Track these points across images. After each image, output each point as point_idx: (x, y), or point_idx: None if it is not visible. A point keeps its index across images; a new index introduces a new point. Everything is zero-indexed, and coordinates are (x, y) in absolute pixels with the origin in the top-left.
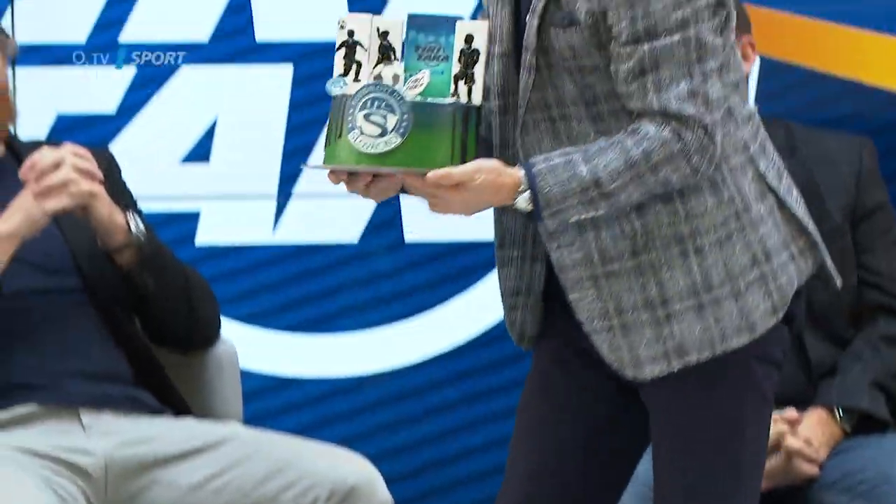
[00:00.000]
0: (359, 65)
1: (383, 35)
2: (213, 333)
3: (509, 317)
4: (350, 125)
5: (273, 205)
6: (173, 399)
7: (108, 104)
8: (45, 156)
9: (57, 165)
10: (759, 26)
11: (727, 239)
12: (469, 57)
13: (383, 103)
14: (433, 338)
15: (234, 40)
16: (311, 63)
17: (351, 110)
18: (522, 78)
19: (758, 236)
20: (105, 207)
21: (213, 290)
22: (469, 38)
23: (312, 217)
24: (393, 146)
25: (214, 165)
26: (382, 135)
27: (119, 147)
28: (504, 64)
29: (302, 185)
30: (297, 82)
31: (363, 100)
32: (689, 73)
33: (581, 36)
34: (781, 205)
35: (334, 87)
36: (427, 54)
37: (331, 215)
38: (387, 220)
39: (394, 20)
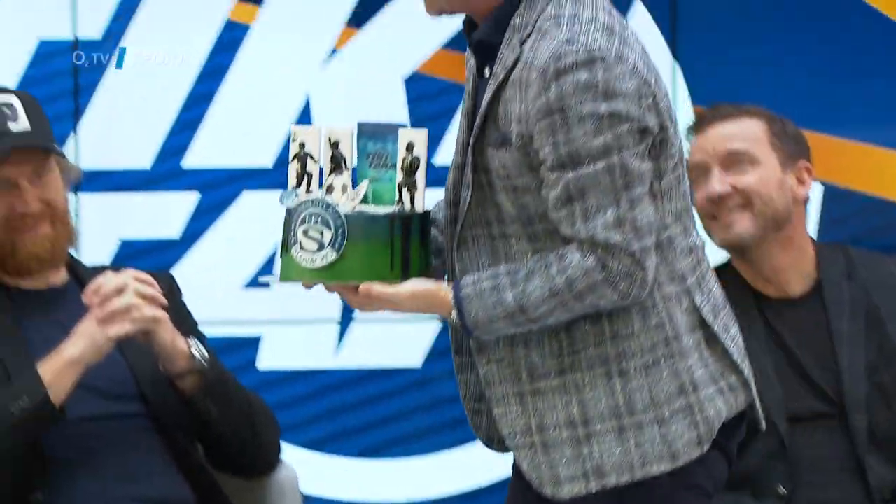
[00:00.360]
0: (310, 176)
1: (334, 145)
2: (274, 459)
3: (474, 421)
4: (293, 240)
5: (335, 329)
6: None
7: (171, 229)
8: (108, 281)
9: (120, 290)
10: (822, 153)
11: (654, 364)
12: (410, 164)
13: (319, 218)
14: (498, 462)
15: None
16: None
17: (293, 225)
18: (462, 193)
19: (686, 366)
20: (168, 333)
21: (275, 416)
22: (410, 146)
23: (375, 341)
24: (330, 261)
25: (276, 290)
26: (320, 249)
27: (182, 272)
28: (455, 176)
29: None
30: None
31: (302, 215)
32: (616, 200)
33: (513, 157)
34: (714, 340)
35: (286, 200)
36: (377, 161)
37: (393, 339)
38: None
39: (344, 129)
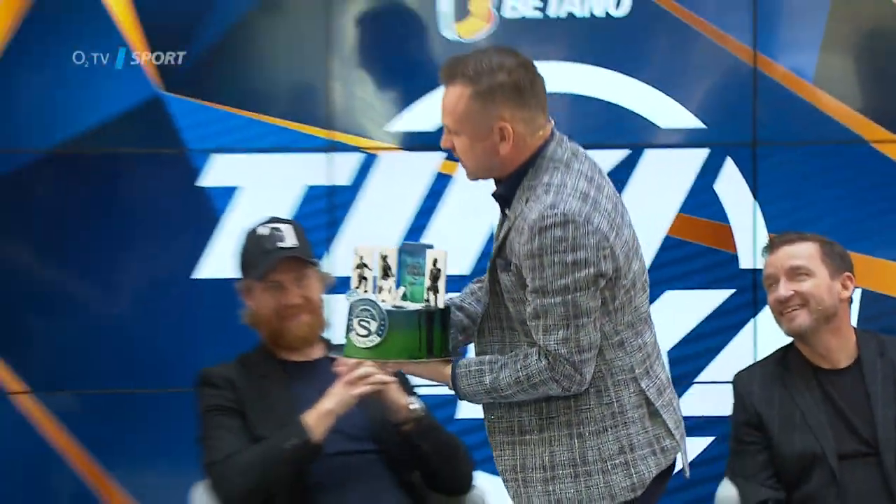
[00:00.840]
0: (366, 280)
1: (383, 258)
2: (469, 483)
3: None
4: (350, 327)
5: None
6: None
7: None
8: None
9: (360, 363)
10: (862, 267)
11: (602, 431)
12: (435, 275)
13: (368, 312)
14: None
15: None
16: None
17: (350, 317)
18: (484, 298)
19: (627, 433)
20: (394, 393)
21: (468, 451)
22: (435, 261)
23: None
24: (375, 343)
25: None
26: (368, 335)
27: None
28: (484, 285)
29: None
30: None
31: (356, 309)
32: (566, 325)
33: (511, 279)
34: (656, 414)
35: (350, 297)
36: (413, 271)
37: None
38: None
39: (391, 248)
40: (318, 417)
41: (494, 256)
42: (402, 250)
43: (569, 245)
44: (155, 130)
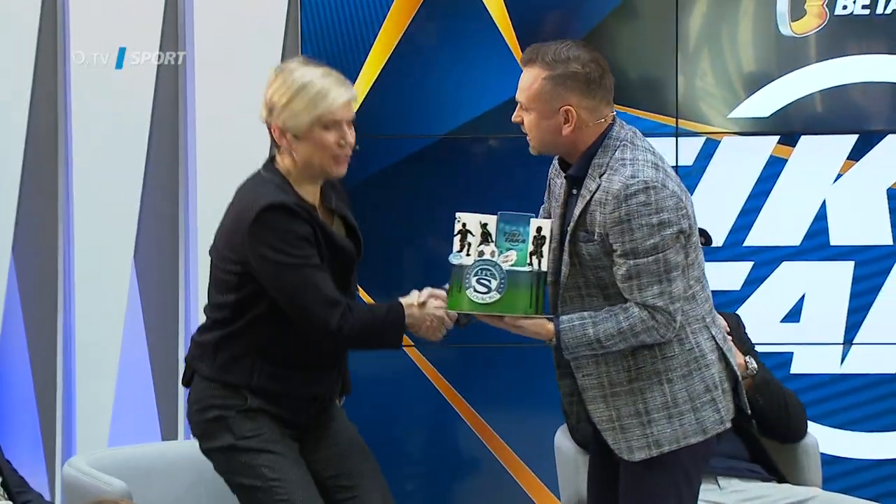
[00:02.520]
0: (469, 245)
1: (483, 226)
2: (801, 433)
3: (569, 408)
4: (467, 285)
5: (840, 349)
6: (777, 472)
7: (734, 286)
8: None
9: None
10: None
11: (689, 374)
12: (539, 241)
13: (489, 272)
14: None
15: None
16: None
17: (468, 275)
18: (562, 269)
19: (710, 373)
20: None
21: (801, 402)
22: (539, 229)
23: (874, 357)
24: (495, 299)
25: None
26: (489, 292)
27: (743, 312)
28: (555, 254)
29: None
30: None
31: (476, 269)
32: (660, 280)
33: (596, 248)
34: (724, 357)
35: (454, 259)
36: (511, 237)
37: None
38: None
39: (490, 217)
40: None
41: (574, 230)
42: (501, 219)
43: (653, 208)
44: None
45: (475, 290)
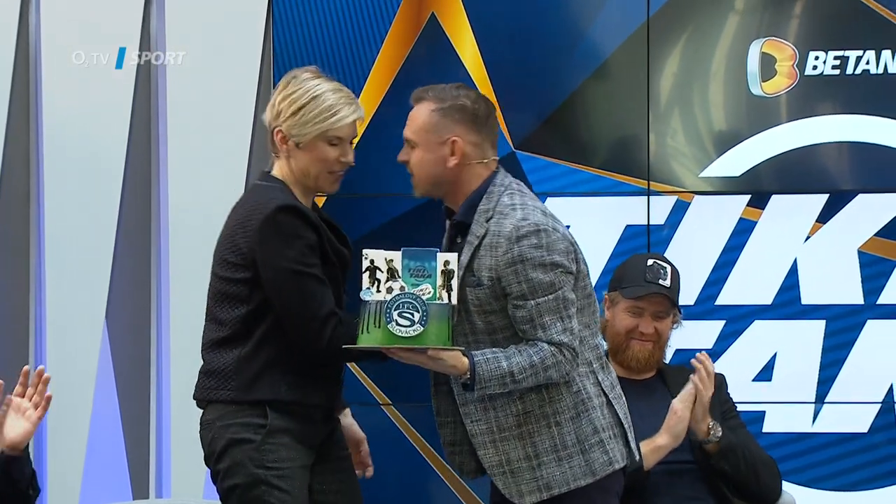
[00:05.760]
0: (379, 281)
1: (389, 262)
2: (774, 495)
3: (451, 459)
4: (388, 319)
5: (812, 407)
6: None
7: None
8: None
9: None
10: None
11: (577, 416)
12: (447, 274)
13: (411, 305)
14: None
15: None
16: None
17: (388, 310)
18: None
19: (597, 415)
20: (699, 416)
21: (775, 463)
22: (447, 262)
23: (843, 413)
24: (418, 332)
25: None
26: (412, 325)
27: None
28: None
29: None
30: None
31: (397, 302)
32: (561, 317)
33: (485, 292)
34: (609, 404)
35: (366, 296)
36: (416, 273)
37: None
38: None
39: (395, 253)
40: (651, 451)
41: (463, 277)
42: (405, 255)
43: (544, 250)
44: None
45: (397, 324)
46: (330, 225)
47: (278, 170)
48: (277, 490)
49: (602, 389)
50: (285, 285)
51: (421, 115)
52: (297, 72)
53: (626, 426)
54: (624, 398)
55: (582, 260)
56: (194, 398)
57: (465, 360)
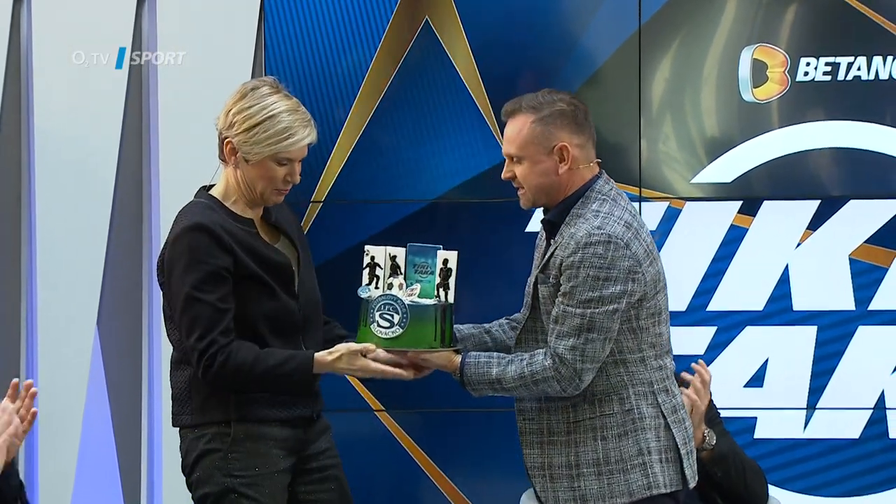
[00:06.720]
0: (378, 277)
1: (392, 258)
2: (763, 500)
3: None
4: (371, 319)
5: (804, 413)
6: None
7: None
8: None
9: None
10: None
11: (624, 434)
12: (446, 273)
13: (391, 307)
14: None
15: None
16: None
17: (371, 310)
18: (524, 312)
19: (645, 437)
20: (695, 422)
21: (761, 469)
22: (445, 261)
23: (832, 419)
24: (398, 334)
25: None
26: (391, 327)
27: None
28: (524, 301)
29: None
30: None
31: (379, 303)
32: (578, 334)
33: (549, 290)
34: (667, 427)
35: (363, 293)
36: (420, 269)
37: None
38: None
39: (399, 249)
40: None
41: (538, 272)
42: (410, 251)
43: (605, 263)
44: (501, 185)
45: (378, 326)
46: (280, 228)
47: (223, 178)
48: (245, 498)
49: (661, 412)
50: (179, 307)
51: (520, 128)
52: (256, 83)
53: (682, 452)
54: (688, 423)
55: (651, 279)
56: (173, 425)
57: (457, 359)
